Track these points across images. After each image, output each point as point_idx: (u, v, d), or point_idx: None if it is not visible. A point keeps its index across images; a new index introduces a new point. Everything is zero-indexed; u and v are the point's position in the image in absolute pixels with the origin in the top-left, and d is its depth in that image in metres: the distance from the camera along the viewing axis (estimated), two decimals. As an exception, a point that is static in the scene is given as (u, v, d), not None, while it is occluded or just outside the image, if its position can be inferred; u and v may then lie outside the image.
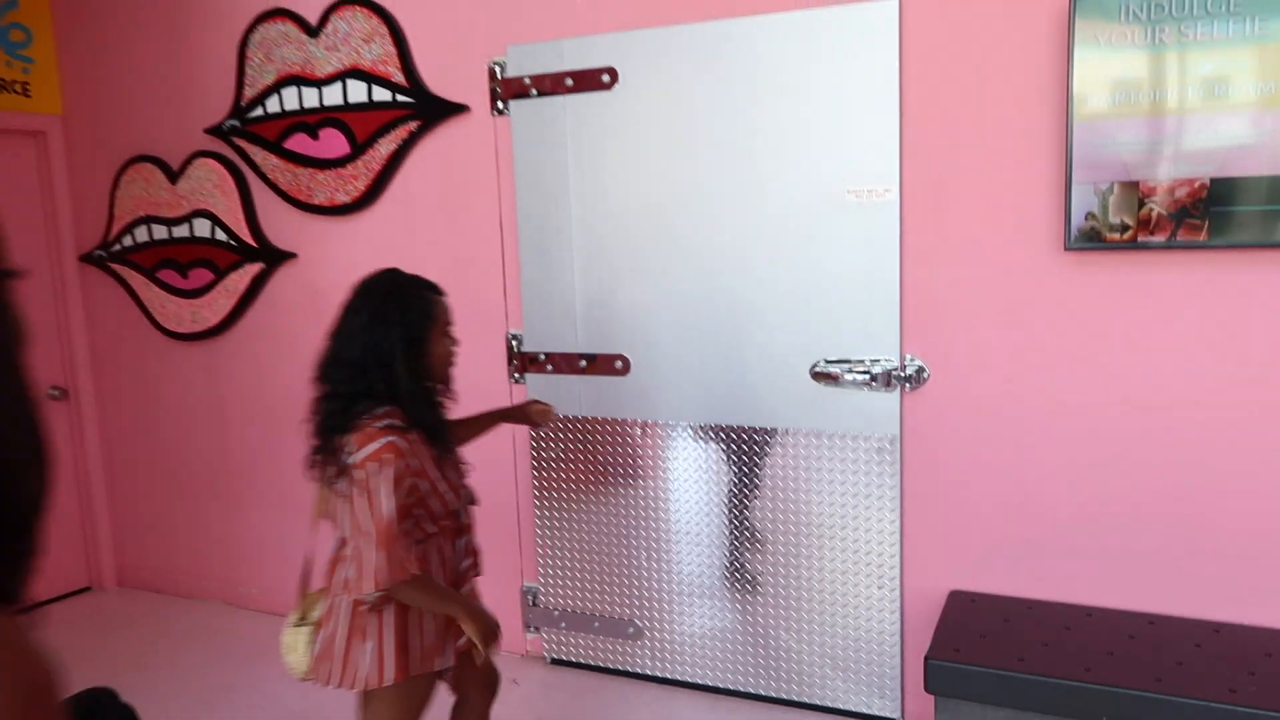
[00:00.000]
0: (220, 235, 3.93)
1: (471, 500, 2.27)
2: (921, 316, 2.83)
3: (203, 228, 3.96)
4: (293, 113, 3.66)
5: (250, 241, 3.87)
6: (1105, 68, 2.48)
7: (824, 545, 3.03)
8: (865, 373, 2.89)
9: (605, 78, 3.06)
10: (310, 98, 3.61)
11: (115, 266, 4.23)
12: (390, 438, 1.95)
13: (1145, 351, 2.60)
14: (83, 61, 4.16)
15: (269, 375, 3.99)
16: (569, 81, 3.12)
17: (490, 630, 2.09)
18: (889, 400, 2.88)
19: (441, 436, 2.12)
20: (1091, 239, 2.56)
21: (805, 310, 2.93)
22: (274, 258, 3.85)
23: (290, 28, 3.61)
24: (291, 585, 4.01)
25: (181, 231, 4.02)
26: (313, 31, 3.57)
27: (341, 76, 3.53)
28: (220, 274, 3.96)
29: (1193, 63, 2.40)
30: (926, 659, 2.49)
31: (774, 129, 2.89)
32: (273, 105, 3.70)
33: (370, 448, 1.95)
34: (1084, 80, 2.50)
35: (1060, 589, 2.78)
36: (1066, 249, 2.60)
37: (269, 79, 3.69)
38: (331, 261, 3.75)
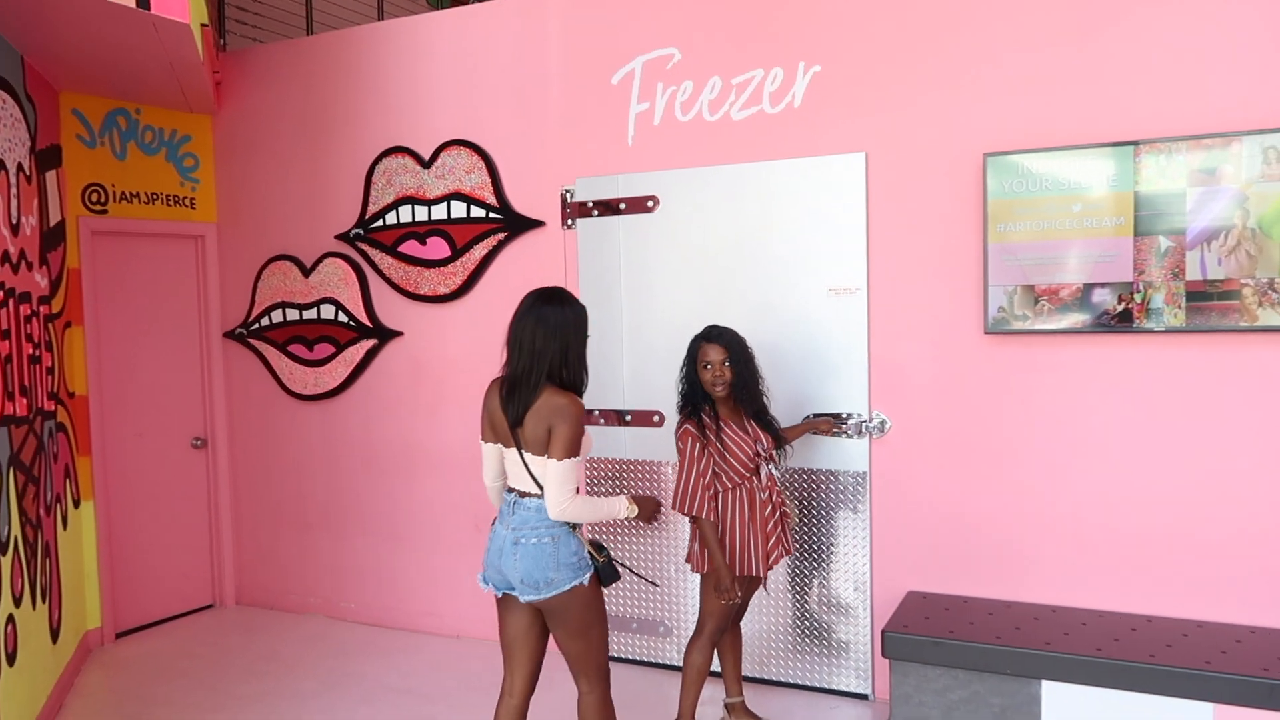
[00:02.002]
0: (342, 317, 4.99)
1: None
2: (885, 381, 3.80)
3: (328, 311, 5.03)
4: (406, 224, 4.75)
5: (366, 322, 4.93)
6: (1008, 205, 3.49)
7: (813, 557, 3.94)
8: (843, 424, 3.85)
9: (650, 203, 4.12)
10: (421, 213, 4.71)
11: (253, 341, 5.30)
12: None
13: (1044, 405, 3.54)
14: (235, 182, 5.31)
15: (374, 429, 5.00)
16: (622, 205, 4.18)
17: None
18: (861, 445, 3.83)
19: None
20: (1002, 326, 3.54)
21: (799, 376, 3.90)
22: (385, 335, 4.90)
23: (408, 161, 4.73)
24: (384, 601, 4.94)
25: (310, 314, 5.09)
26: (425, 164, 4.69)
27: (447, 198, 4.63)
28: (340, 348, 5.02)
29: (1066, 203, 3.40)
30: (883, 632, 3.39)
31: (776, 242, 3.92)
32: (391, 219, 4.80)
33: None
34: (994, 212, 3.51)
35: (988, 588, 3.67)
36: (985, 333, 3.58)
37: (389, 199, 4.80)
38: (431, 339, 4.78)
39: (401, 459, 4.95)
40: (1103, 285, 3.37)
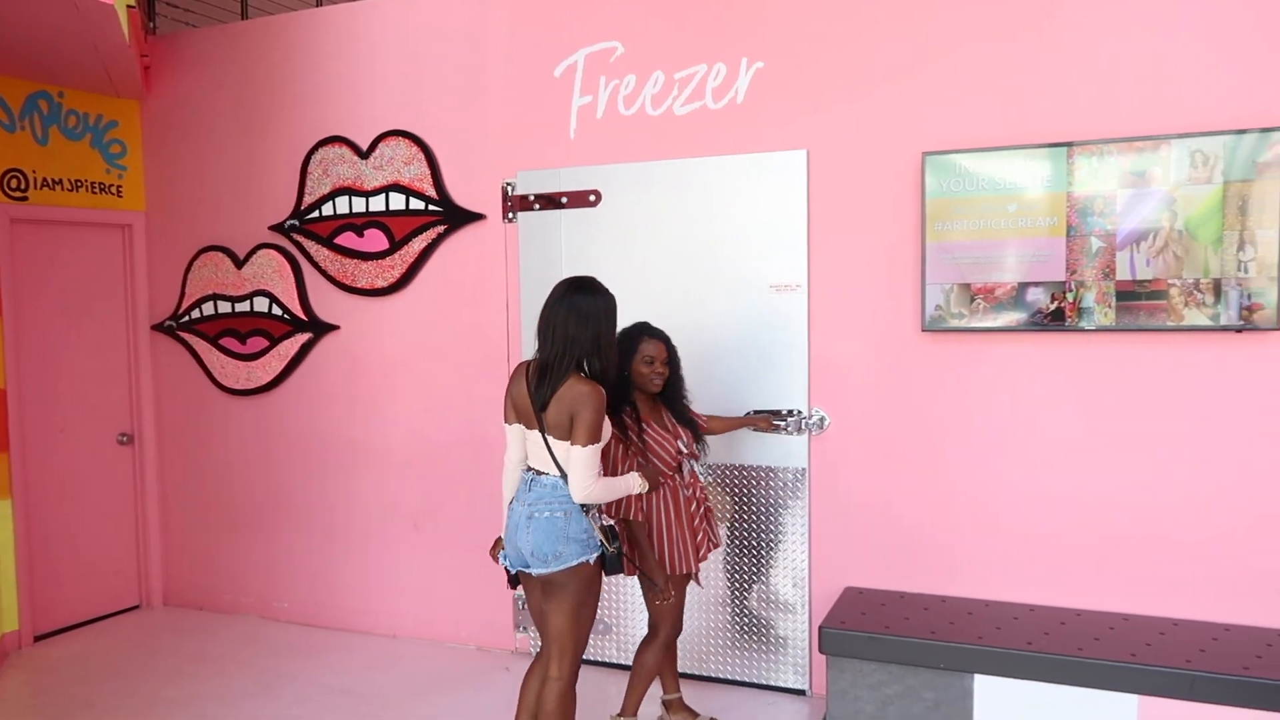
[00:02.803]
0: (276, 310, 4.87)
1: None
2: (825, 378, 3.81)
3: (262, 304, 4.91)
4: (343, 216, 4.65)
5: (301, 315, 4.81)
6: (946, 204, 3.52)
7: (752, 554, 3.95)
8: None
9: (591, 197, 4.08)
10: (359, 205, 4.61)
11: (183, 334, 5.14)
12: None
13: (979, 403, 3.59)
14: (165, 169, 5.14)
15: (309, 425, 4.88)
16: (564, 199, 4.14)
17: None
18: (800, 441, 3.84)
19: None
20: (939, 324, 3.57)
21: (740, 372, 3.90)
22: (320, 329, 4.79)
23: (345, 151, 4.63)
24: (318, 600, 4.84)
25: (243, 307, 4.96)
26: (364, 154, 4.59)
27: (385, 190, 4.54)
28: (274, 341, 4.89)
29: (1002, 203, 3.45)
30: (820, 627, 3.40)
31: (718, 238, 3.91)
32: (327, 210, 4.69)
33: None
34: (933, 211, 3.54)
35: (925, 583, 3.71)
36: (923, 330, 3.61)
37: (325, 189, 4.69)
38: (368, 333, 4.69)
39: (337, 456, 4.84)
40: (1037, 284, 3.42)
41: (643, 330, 3.34)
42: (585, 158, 4.15)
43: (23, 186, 4.66)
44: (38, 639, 4.81)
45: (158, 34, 5.25)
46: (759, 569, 3.95)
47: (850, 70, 3.70)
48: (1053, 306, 3.40)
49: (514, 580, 3.07)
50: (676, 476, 3.34)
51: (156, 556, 5.34)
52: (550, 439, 2.89)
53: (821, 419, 3.82)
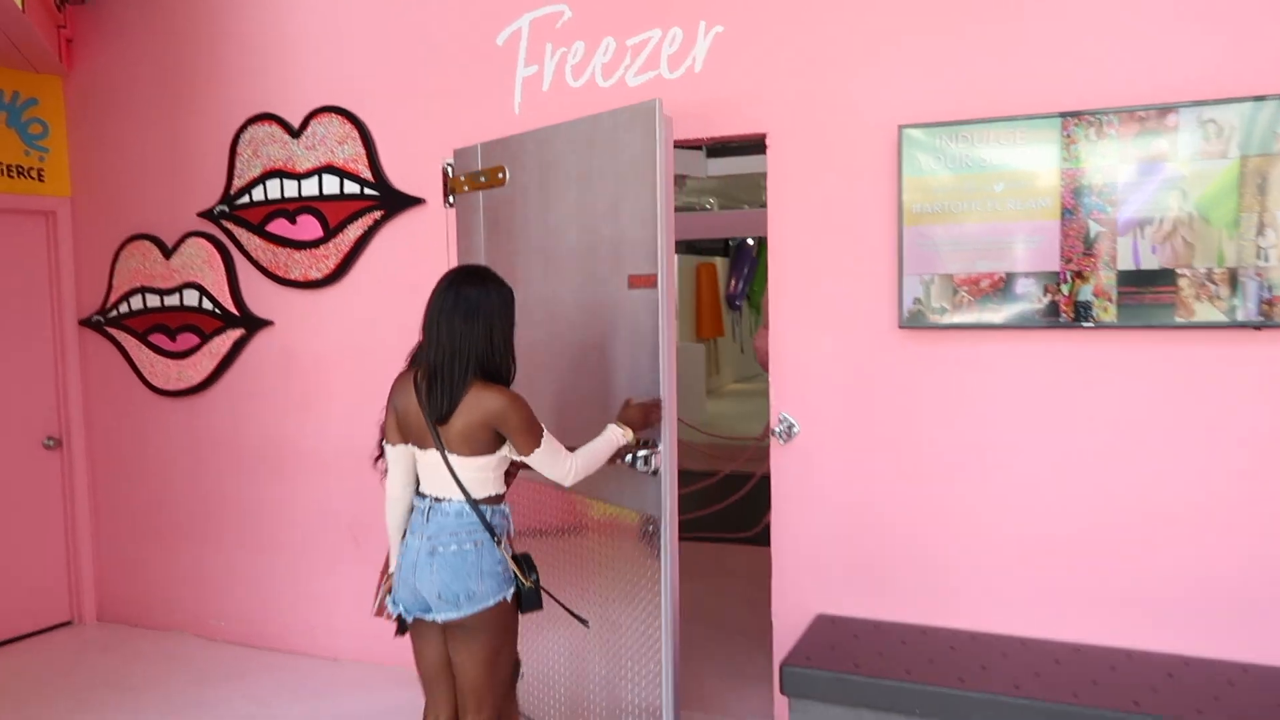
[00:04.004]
0: (207, 304, 4.49)
1: None
2: (791, 381, 3.41)
3: (191, 297, 4.52)
4: (275, 201, 4.26)
5: (233, 310, 4.43)
6: (925, 184, 3.11)
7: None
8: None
9: (501, 175, 3.55)
10: (290, 189, 4.22)
11: (111, 330, 4.77)
12: None
13: (964, 408, 3.18)
14: (90, 151, 4.76)
15: (243, 428, 4.51)
16: (482, 179, 3.66)
17: None
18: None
19: None
20: (919, 320, 3.17)
21: (601, 374, 3.23)
22: (253, 324, 4.40)
23: (276, 129, 4.24)
24: (253, 617, 4.47)
25: (173, 300, 4.57)
26: (295, 133, 4.19)
27: (318, 172, 4.14)
28: (205, 338, 4.51)
29: (988, 182, 3.03)
30: (781, 665, 3.01)
31: (627, 219, 3.08)
32: (258, 194, 4.30)
33: None
34: (910, 194, 3.13)
35: (905, 611, 3.30)
36: (900, 327, 3.20)
37: (255, 172, 4.30)
38: (304, 329, 4.31)
39: (273, 461, 4.47)
40: (1027, 275, 3.01)
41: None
42: (523, 126, 3.74)
43: (-73, 170, 4.29)
44: (-51, 660, 4.47)
45: (85, 4, 4.85)
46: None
47: (818, 33, 3.28)
48: (1045, 300, 2.99)
49: (404, 627, 2.68)
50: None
51: (88, 569, 4.98)
52: (453, 458, 2.52)
53: (790, 426, 3.42)
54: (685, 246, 13.61)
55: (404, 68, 3.98)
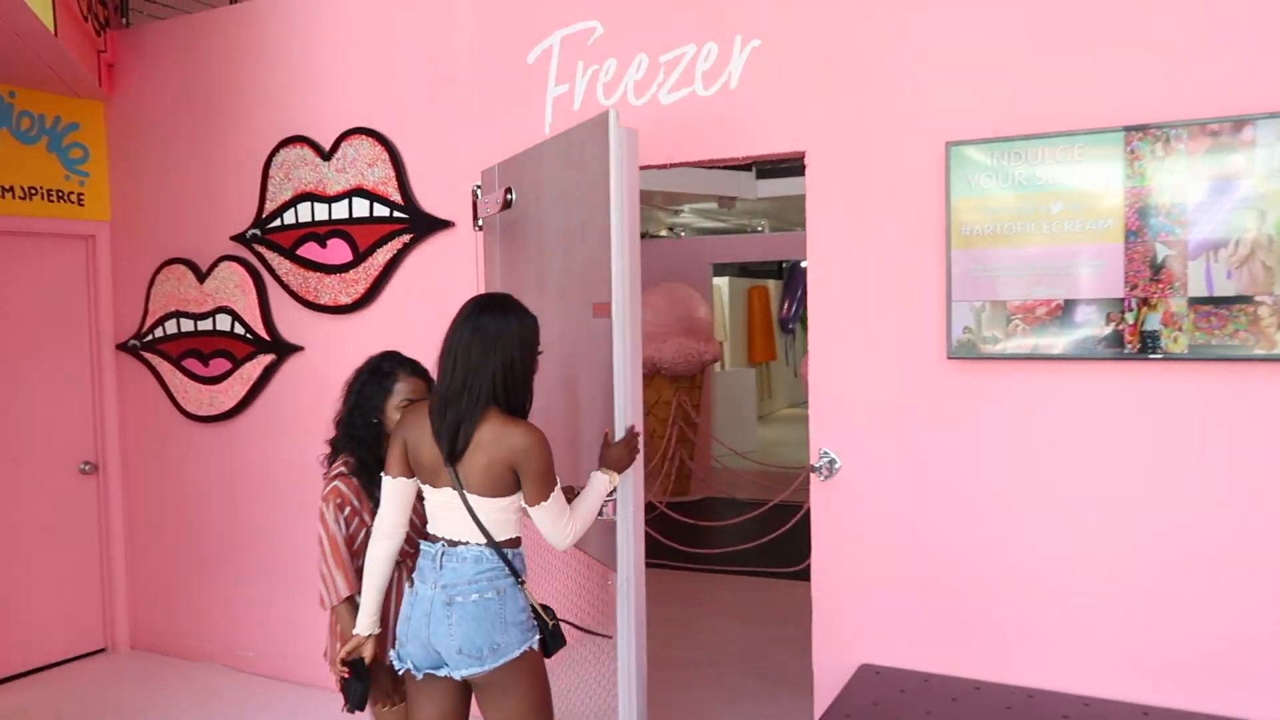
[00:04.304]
0: (239, 329, 4.43)
1: None
2: (833, 414, 3.20)
3: (224, 322, 4.47)
4: (306, 224, 4.19)
5: (264, 335, 4.37)
6: (975, 204, 2.90)
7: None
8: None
9: (509, 195, 3.39)
10: (321, 212, 4.14)
11: (146, 355, 4.74)
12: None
13: (1020, 445, 2.94)
14: (130, 175, 4.76)
15: (274, 456, 4.43)
16: (498, 201, 3.51)
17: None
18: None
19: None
20: (969, 350, 2.94)
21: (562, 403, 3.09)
22: (284, 350, 4.33)
23: (307, 152, 4.17)
24: (282, 650, 4.38)
25: (206, 325, 4.53)
26: (326, 156, 4.12)
27: (349, 195, 4.06)
28: (237, 363, 4.45)
29: (1044, 202, 2.81)
30: (819, 720, 2.79)
31: (566, 244, 3.01)
32: (289, 217, 4.23)
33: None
34: (960, 215, 2.92)
35: (956, 663, 3.06)
36: (949, 358, 2.98)
37: (287, 195, 4.23)
38: (334, 354, 4.22)
39: (303, 490, 4.35)
40: (1088, 302, 2.77)
41: (395, 365, 2.72)
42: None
43: (-33, 195, 4.31)
44: (-22, 691, 4.44)
45: (126, 29, 4.87)
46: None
47: (862, 45, 3.10)
48: (1108, 329, 2.75)
49: (356, 697, 2.48)
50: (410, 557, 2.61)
51: (122, 596, 4.94)
52: (473, 498, 2.33)
53: (831, 462, 3.21)
54: (739, 269, 13.45)
55: (434, 88, 3.89)
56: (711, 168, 8.35)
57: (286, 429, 4.38)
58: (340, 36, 4.11)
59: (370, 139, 4.00)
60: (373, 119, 4.01)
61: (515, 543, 2.42)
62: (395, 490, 2.45)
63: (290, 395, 4.37)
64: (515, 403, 2.38)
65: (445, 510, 2.38)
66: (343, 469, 2.63)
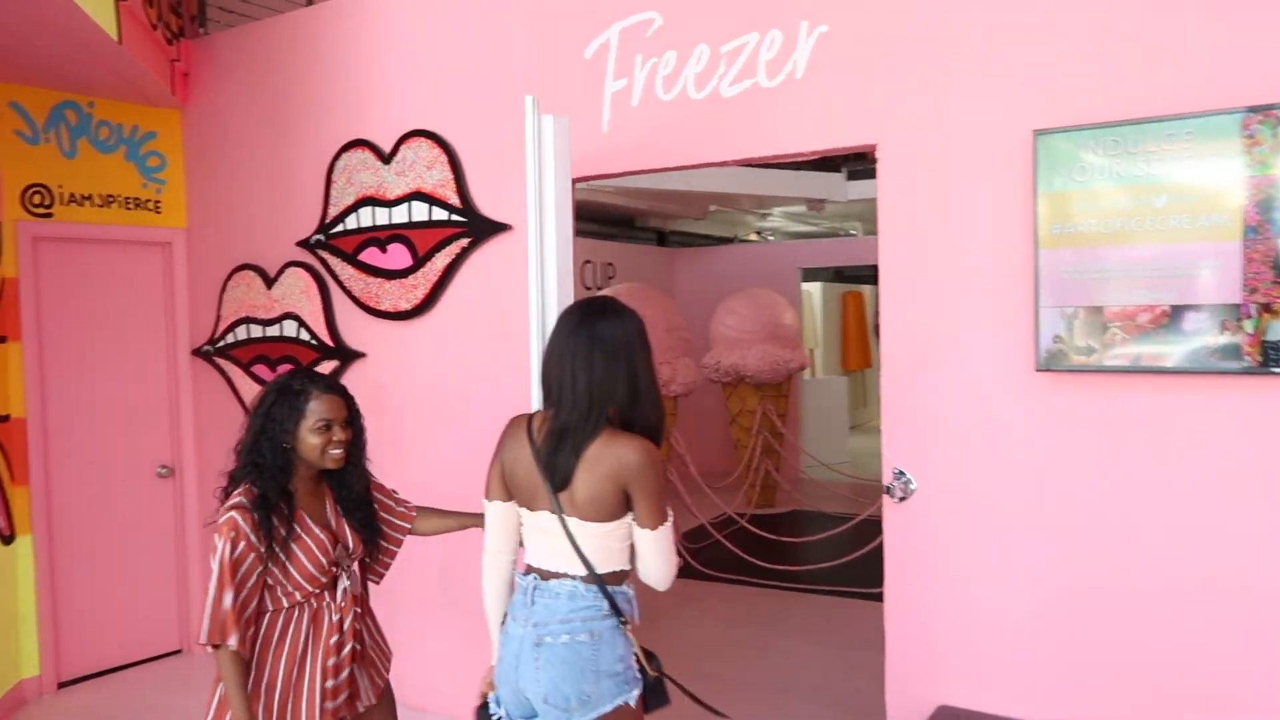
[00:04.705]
0: (304, 335, 4.40)
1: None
2: (908, 430, 2.93)
3: (290, 328, 4.45)
4: (367, 229, 4.12)
5: (329, 342, 4.32)
6: (1067, 200, 2.59)
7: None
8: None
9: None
10: (382, 216, 4.07)
11: (219, 360, 4.76)
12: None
13: (1117, 469, 2.62)
14: (204, 182, 4.79)
15: (337, 463, 4.37)
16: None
17: None
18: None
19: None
20: (1060, 361, 2.64)
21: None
22: (347, 356, 4.27)
23: (368, 155, 4.10)
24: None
25: (273, 331, 4.51)
26: (386, 159, 4.04)
27: (408, 198, 3.97)
28: (302, 370, 4.42)
29: (1147, 195, 2.49)
30: (884, 770, 2.53)
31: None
32: (351, 222, 4.17)
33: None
34: (1048, 211, 2.62)
35: (1041, 707, 2.75)
36: (1037, 370, 2.68)
37: (349, 199, 4.18)
38: (394, 361, 4.14)
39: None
40: (1198, 308, 2.44)
41: (307, 383, 2.38)
42: (619, 153, 3.44)
43: (47, 203, 4.39)
44: (62, 685, 4.51)
45: (201, 38, 4.91)
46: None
47: (938, 26, 2.83)
48: (1222, 339, 2.41)
49: None
50: (324, 597, 2.35)
51: (198, 599, 4.97)
52: (575, 524, 2.06)
53: (906, 483, 2.94)
54: (833, 274, 13.05)
55: (490, 87, 3.76)
56: (783, 166, 8.07)
57: (349, 437, 4.32)
58: (401, 37, 4.03)
59: (429, 141, 3.90)
60: (431, 120, 3.91)
61: (621, 577, 2.12)
62: (496, 516, 2.22)
63: (353, 402, 4.30)
64: (644, 418, 2.09)
65: (543, 538, 2.12)
66: (241, 499, 2.24)
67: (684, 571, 5.90)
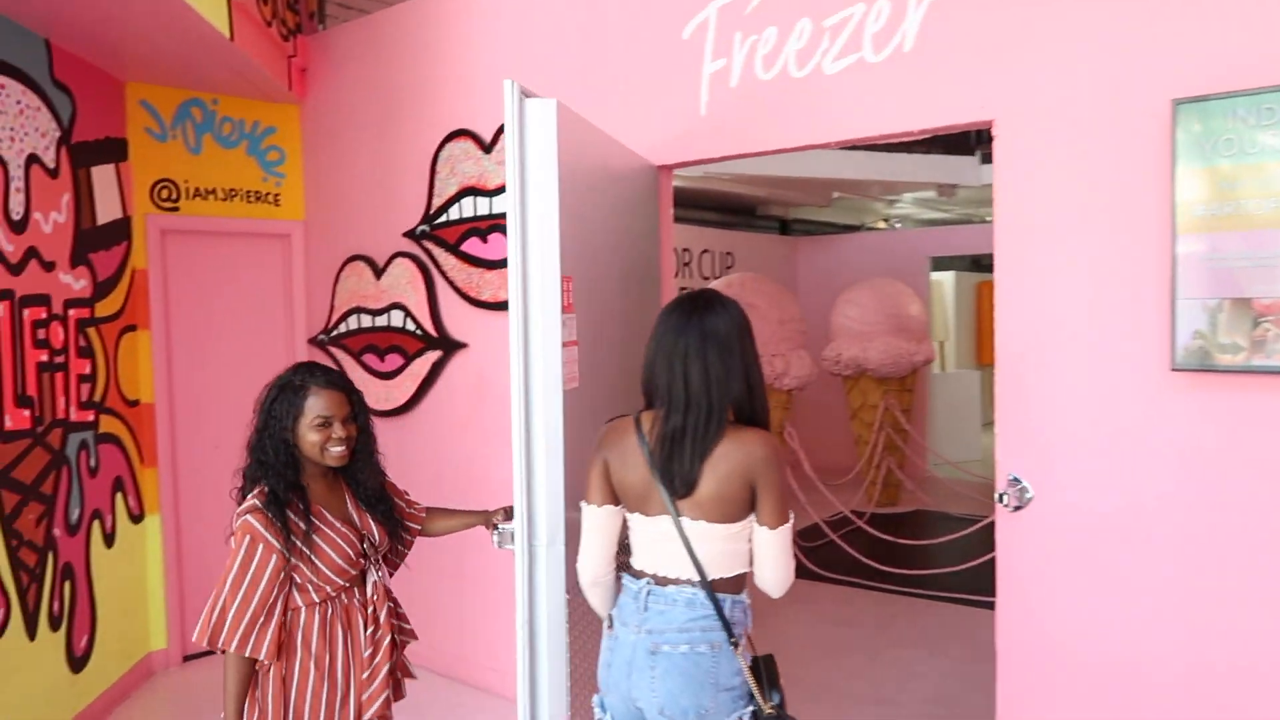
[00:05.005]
0: (410, 325, 4.43)
1: None
2: (1022, 433, 2.69)
3: (397, 318, 4.49)
4: (469, 219, 4.11)
5: (433, 332, 4.34)
6: (1210, 177, 2.30)
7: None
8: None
9: None
10: (483, 206, 4.05)
11: (333, 349, 4.87)
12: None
13: (1267, 481, 2.31)
14: (321, 175, 4.90)
15: (441, 453, 4.40)
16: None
17: None
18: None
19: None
20: (1200, 360, 2.35)
21: None
22: (450, 346, 4.28)
23: (470, 145, 4.09)
24: (448, 647, 4.34)
25: (382, 321, 4.58)
26: (487, 148, 4.02)
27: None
28: (408, 359, 4.46)
29: (1307, 171, 2.17)
30: (988, 805, 2.31)
31: None
32: (454, 212, 4.17)
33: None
34: (1188, 190, 2.33)
35: (1175, 749, 2.47)
36: (1173, 369, 2.39)
37: (452, 190, 4.17)
38: (495, 352, 4.11)
39: (466, 488, 4.31)
40: (1369, 301, 2.12)
41: (305, 378, 2.29)
42: (717, 136, 3.29)
43: (174, 197, 4.57)
44: (186, 659, 4.71)
45: (318, 33, 5.02)
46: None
47: (1065, -11, 2.56)
48: (1399, 337, 2.08)
49: None
50: (354, 592, 2.30)
51: (312, 579, 5.11)
52: (691, 525, 1.95)
53: (1022, 491, 2.69)
54: (969, 263, 12.46)
55: (587, 71, 3.67)
56: (911, 150, 7.71)
57: (452, 427, 4.34)
58: (503, 24, 3.99)
59: (529, 129, 3.85)
60: (531, 108, 3.85)
61: (736, 585, 2.02)
62: (597, 521, 2.08)
63: (456, 393, 4.31)
64: (761, 410, 2.01)
65: (656, 542, 2.00)
66: (255, 501, 2.19)
67: (797, 571, 5.70)
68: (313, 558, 2.20)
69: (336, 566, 2.24)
